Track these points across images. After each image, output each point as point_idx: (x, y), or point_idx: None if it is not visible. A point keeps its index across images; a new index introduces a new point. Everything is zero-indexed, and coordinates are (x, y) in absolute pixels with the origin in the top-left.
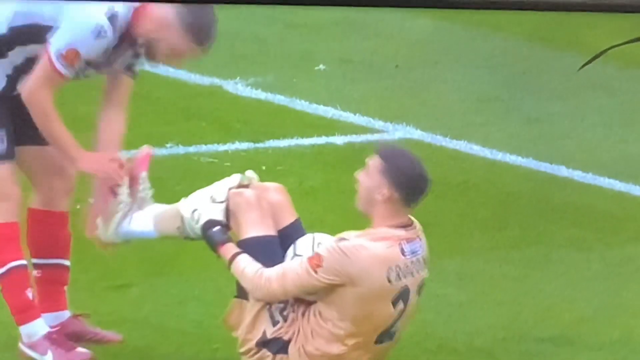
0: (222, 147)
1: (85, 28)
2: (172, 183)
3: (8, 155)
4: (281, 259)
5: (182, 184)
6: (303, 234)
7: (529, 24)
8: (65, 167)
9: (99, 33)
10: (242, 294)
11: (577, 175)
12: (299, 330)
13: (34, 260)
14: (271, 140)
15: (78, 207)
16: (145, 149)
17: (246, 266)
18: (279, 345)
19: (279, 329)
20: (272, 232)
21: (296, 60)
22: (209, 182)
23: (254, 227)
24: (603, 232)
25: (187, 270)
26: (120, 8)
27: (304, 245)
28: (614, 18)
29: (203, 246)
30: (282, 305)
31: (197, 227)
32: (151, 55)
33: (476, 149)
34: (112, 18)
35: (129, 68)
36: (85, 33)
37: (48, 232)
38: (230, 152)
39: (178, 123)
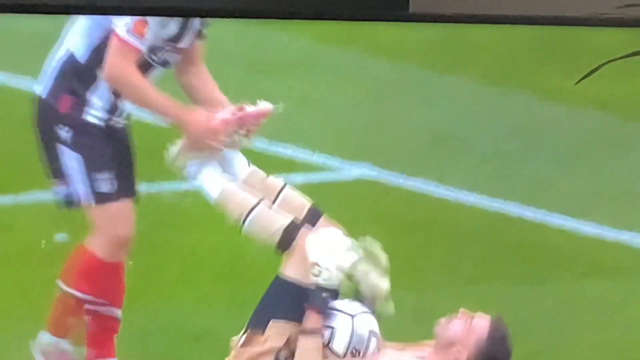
0: (183, 185)
1: None
2: (136, 215)
3: (118, 197)
4: None
5: (146, 221)
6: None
7: (483, 64)
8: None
9: None
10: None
11: (530, 212)
12: None
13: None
14: None
15: (43, 244)
16: (266, 105)
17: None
18: None
19: None
20: None
21: (256, 99)
22: (171, 218)
23: None
24: (554, 268)
25: (150, 303)
26: None
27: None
28: (567, 58)
29: (167, 280)
30: (288, 354)
31: (316, 279)
32: None
33: (431, 187)
34: None
35: (198, 34)
36: None
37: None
38: (193, 191)
39: (142, 160)
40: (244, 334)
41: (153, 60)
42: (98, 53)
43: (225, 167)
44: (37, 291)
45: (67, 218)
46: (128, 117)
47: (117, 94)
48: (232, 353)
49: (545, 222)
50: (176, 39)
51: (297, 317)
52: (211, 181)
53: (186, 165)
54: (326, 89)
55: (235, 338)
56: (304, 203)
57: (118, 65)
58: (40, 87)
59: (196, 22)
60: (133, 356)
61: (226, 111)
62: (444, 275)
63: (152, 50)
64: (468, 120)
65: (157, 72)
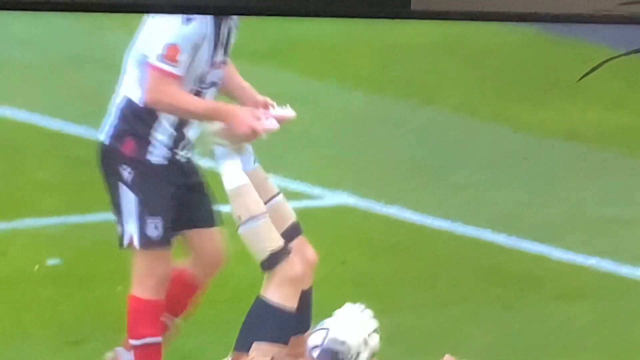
0: None
1: (171, 22)
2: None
3: (162, 244)
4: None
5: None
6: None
7: (456, 96)
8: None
9: (186, 19)
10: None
11: (501, 238)
12: None
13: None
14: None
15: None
16: (290, 112)
17: None
18: None
19: None
20: None
21: None
22: None
23: None
24: (525, 292)
25: None
26: None
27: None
28: (537, 91)
29: None
30: None
31: (326, 340)
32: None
33: (408, 214)
34: None
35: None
36: (174, 25)
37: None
38: None
39: None
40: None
41: (203, 87)
42: None
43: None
44: (30, 313)
45: (58, 244)
46: (192, 149)
47: (179, 129)
48: None
49: (517, 248)
50: (213, 57)
51: (280, 339)
52: (232, 173)
53: (216, 147)
54: (308, 120)
55: None
56: (290, 216)
57: (155, 89)
58: (103, 134)
59: (225, 31)
60: None
61: (262, 112)
62: (420, 298)
63: (201, 79)
64: (443, 150)
65: (209, 93)
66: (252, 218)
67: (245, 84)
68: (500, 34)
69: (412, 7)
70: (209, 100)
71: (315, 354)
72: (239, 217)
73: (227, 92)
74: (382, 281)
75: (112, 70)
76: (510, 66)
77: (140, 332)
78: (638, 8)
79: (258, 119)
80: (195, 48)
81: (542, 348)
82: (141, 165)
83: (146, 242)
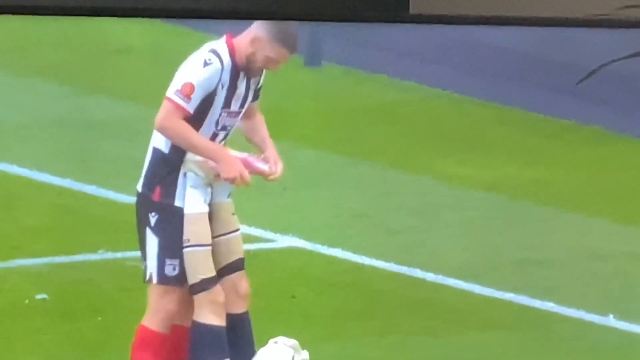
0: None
1: (193, 63)
2: (101, 281)
3: (177, 283)
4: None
5: (112, 281)
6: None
7: (391, 152)
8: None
9: (205, 62)
10: None
11: (430, 276)
12: None
13: None
14: None
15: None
16: (265, 168)
17: None
18: None
19: None
20: None
21: None
22: (133, 281)
23: None
24: (451, 323)
25: (115, 356)
26: (220, 45)
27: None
28: (462, 148)
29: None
30: None
31: None
32: (252, 69)
33: (349, 255)
34: (213, 51)
35: (254, 96)
36: (193, 66)
37: (181, 343)
38: None
39: (108, 233)
40: None
41: (219, 130)
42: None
43: (216, 188)
44: (21, 341)
45: (45, 281)
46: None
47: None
48: None
49: (443, 284)
50: (229, 106)
51: (219, 355)
52: (195, 200)
53: (193, 172)
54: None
55: None
56: (238, 252)
57: (165, 117)
58: (140, 182)
59: (243, 85)
60: None
61: (248, 159)
62: (360, 328)
63: (216, 123)
64: (379, 200)
65: (220, 136)
66: (198, 245)
67: (267, 138)
68: (428, 99)
69: (410, 11)
70: (210, 142)
71: None
72: (188, 240)
73: (250, 139)
74: (327, 314)
75: (92, 130)
76: (437, 126)
77: (141, 356)
78: (636, 12)
79: (243, 169)
80: (210, 91)
81: None
82: (165, 210)
83: (164, 280)
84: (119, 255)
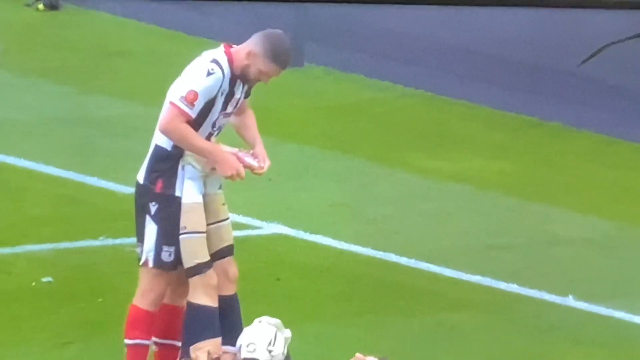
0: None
1: (197, 72)
2: (102, 265)
3: (171, 267)
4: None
5: (112, 266)
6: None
7: (368, 147)
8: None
9: (208, 72)
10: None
11: (404, 260)
12: None
13: (154, 339)
14: None
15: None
16: (255, 164)
17: None
18: None
19: None
20: None
21: None
22: (131, 265)
23: None
24: (423, 304)
25: (114, 334)
26: (220, 55)
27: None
28: (433, 143)
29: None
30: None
31: (244, 349)
32: (246, 80)
33: (329, 241)
34: (215, 61)
35: (245, 94)
36: (198, 75)
37: (174, 321)
38: None
39: (108, 221)
40: None
41: (214, 130)
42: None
43: (209, 180)
44: (28, 320)
45: (51, 265)
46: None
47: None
48: None
49: (416, 268)
50: (225, 109)
51: (211, 334)
52: (191, 191)
53: (190, 165)
54: None
55: None
56: (228, 239)
57: (170, 121)
58: (140, 176)
59: (239, 90)
60: None
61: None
62: (339, 309)
63: (213, 125)
64: (357, 191)
65: (214, 135)
66: (194, 232)
67: (257, 136)
68: (402, 97)
69: None
70: (209, 143)
71: None
72: (185, 227)
73: (242, 135)
74: (309, 295)
75: (93, 127)
76: (410, 123)
77: (134, 334)
78: None
79: (239, 166)
80: (211, 98)
81: (435, 349)
82: (167, 200)
83: (159, 264)
84: (118, 241)
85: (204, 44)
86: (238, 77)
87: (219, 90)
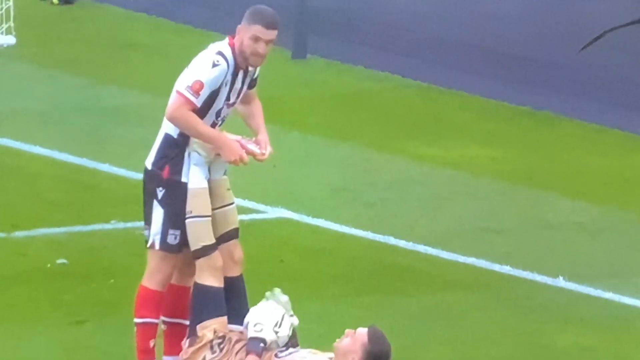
0: None
1: (203, 63)
2: (114, 248)
3: (176, 250)
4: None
5: (123, 248)
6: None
7: (368, 134)
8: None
9: (213, 63)
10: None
11: (402, 243)
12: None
13: (163, 318)
14: None
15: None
16: (258, 151)
17: None
18: None
19: (215, 357)
20: None
21: None
22: (141, 248)
23: None
24: (420, 284)
25: (126, 312)
26: (224, 47)
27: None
28: (429, 132)
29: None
30: (220, 340)
31: (252, 328)
32: (247, 61)
33: (330, 225)
34: (220, 53)
35: (250, 85)
36: (204, 66)
37: (181, 301)
38: None
39: (119, 206)
40: (187, 338)
41: (218, 119)
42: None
43: (214, 166)
44: (44, 300)
45: (65, 248)
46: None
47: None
48: (182, 354)
49: (413, 250)
50: (229, 99)
51: (217, 313)
52: (197, 176)
53: (196, 152)
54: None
55: (184, 342)
56: (234, 223)
57: (176, 109)
58: (148, 162)
59: (240, 80)
60: None
61: (245, 142)
62: (340, 289)
63: (217, 114)
64: (357, 176)
65: (219, 124)
66: (199, 216)
67: (262, 124)
68: (401, 88)
69: None
70: (214, 130)
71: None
72: (190, 211)
73: (248, 123)
74: (311, 276)
75: (106, 116)
76: (408, 112)
77: (143, 313)
78: None
79: (242, 152)
80: (215, 88)
81: (433, 327)
82: (174, 185)
83: (165, 247)
84: (129, 225)
85: (211, 37)
86: (241, 66)
87: (223, 81)
